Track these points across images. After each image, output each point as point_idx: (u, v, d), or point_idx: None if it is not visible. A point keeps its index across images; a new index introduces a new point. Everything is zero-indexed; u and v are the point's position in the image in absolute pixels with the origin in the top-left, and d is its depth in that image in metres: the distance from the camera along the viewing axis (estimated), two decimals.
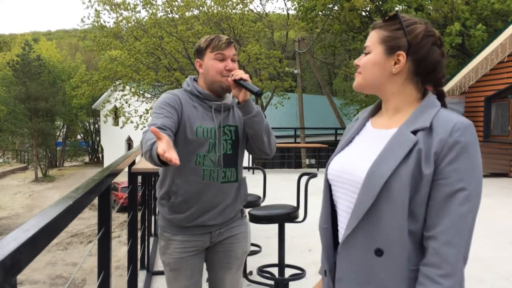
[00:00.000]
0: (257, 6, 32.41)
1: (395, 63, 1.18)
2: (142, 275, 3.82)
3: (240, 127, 1.99)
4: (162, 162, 1.53)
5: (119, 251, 11.08)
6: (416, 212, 1.11)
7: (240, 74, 1.83)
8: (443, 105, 1.20)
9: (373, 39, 1.22)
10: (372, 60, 1.20)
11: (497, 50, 10.10)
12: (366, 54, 1.23)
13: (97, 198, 1.88)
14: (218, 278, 2.08)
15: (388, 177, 1.10)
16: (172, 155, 1.38)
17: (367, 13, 17.56)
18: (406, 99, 1.21)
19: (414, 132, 1.12)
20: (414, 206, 1.10)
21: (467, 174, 1.07)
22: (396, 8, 15.27)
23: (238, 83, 1.83)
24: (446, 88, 11.55)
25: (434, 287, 1.06)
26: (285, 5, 30.60)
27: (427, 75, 1.19)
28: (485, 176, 10.10)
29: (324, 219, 1.29)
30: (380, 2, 15.96)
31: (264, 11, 19.91)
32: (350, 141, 1.31)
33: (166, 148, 1.38)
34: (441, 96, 1.22)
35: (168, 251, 2.00)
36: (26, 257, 0.90)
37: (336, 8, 16.34)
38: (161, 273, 3.95)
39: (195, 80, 2.02)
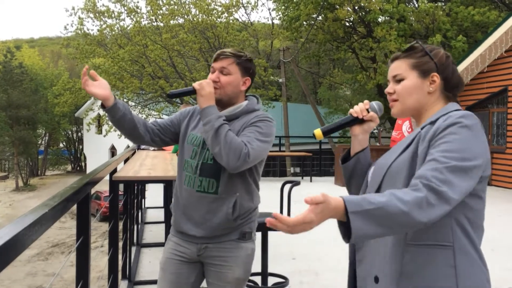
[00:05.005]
0: (242, 16, 32.40)
1: (430, 83, 1.34)
2: (123, 285, 3.75)
3: None
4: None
5: (102, 261, 10.90)
6: None
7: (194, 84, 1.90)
8: None
9: (402, 67, 1.36)
10: (410, 85, 1.35)
11: (477, 60, 10.29)
12: (399, 81, 1.36)
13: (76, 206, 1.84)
14: None
15: (390, 164, 1.29)
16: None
17: (350, 23, 17.76)
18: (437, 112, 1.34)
19: (422, 128, 1.30)
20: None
21: (452, 145, 1.17)
22: (379, 19, 15.49)
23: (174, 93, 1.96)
24: None
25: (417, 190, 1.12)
26: (270, 14, 30.93)
27: (454, 89, 1.37)
28: None
29: None
30: (363, 13, 16.16)
31: (249, 20, 20.02)
32: None
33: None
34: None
35: (165, 249, 2.08)
36: None
37: (320, 18, 16.48)
38: (143, 283, 3.90)
39: None
